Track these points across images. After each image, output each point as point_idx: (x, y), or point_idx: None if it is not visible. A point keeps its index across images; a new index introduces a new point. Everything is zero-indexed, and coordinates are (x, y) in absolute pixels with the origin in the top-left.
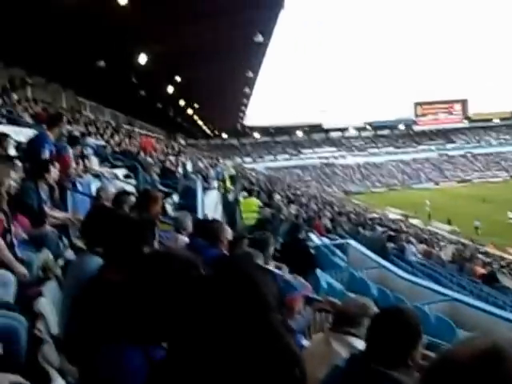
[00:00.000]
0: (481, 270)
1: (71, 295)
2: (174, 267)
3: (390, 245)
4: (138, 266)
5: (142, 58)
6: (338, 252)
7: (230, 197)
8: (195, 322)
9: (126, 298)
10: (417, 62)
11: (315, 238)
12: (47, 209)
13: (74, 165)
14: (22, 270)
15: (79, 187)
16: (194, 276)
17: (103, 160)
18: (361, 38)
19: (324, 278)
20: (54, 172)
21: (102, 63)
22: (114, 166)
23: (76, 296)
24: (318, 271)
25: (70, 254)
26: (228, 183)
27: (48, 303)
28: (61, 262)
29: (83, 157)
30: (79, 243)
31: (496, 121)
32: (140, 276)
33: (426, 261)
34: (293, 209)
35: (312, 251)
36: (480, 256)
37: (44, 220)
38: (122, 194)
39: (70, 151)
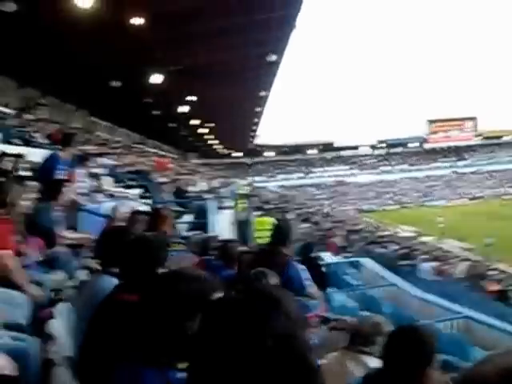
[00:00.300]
0: (494, 287)
1: (85, 316)
2: (188, 287)
3: (403, 262)
4: (153, 286)
5: (156, 78)
6: (350, 270)
7: (243, 216)
8: (215, 344)
9: (141, 319)
10: (428, 80)
11: (328, 257)
12: (60, 229)
13: (77, 184)
14: (36, 291)
15: (93, 207)
16: (211, 296)
17: (117, 180)
18: (374, 57)
19: (337, 296)
20: (67, 193)
21: (115, 83)
22: (127, 186)
23: (91, 316)
24: (332, 289)
25: (83, 275)
26: (241, 202)
27: (61, 325)
28: (74, 282)
29: (95, 176)
30: (92, 264)
31: (507, 138)
32: (154, 296)
33: (439, 278)
34: (306, 227)
35: (324, 270)
36: (493, 273)
37: (57, 241)
38: (136, 214)
39: (78, 171)
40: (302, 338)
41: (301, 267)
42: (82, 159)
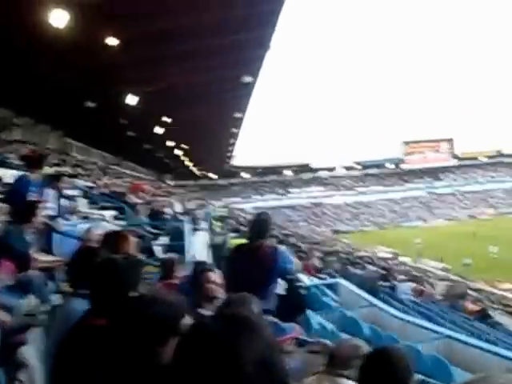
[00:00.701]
0: (473, 307)
1: (57, 341)
2: (157, 311)
3: (381, 283)
4: (121, 310)
5: (131, 99)
6: (328, 292)
7: (219, 238)
8: (193, 371)
9: (110, 344)
10: (404, 102)
11: (305, 279)
12: (33, 252)
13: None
14: (4, 316)
15: (67, 229)
16: (180, 320)
17: (91, 202)
18: (350, 78)
19: (315, 318)
20: (40, 215)
21: (90, 104)
22: (102, 208)
23: (60, 342)
24: (309, 312)
25: (56, 299)
26: (217, 224)
27: (33, 351)
28: (47, 307)
29: (70, 198)
30: (66, 287)
31: (482, 159)
32: (123, 320)
33: (418, 299)
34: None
35: (302, 292)
36: (471, 293)
37: (30, 264)
38: (109, 236)
39: (49, 192)
40: (280, 364)
41: (284, 250)
42: (53, 180)
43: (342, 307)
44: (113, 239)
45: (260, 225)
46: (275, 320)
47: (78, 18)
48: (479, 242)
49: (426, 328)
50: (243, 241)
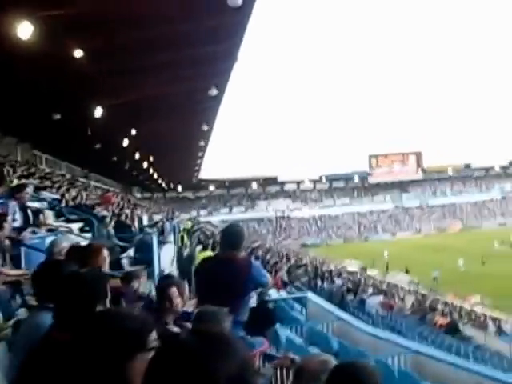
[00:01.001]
0: (442, 321)
1: (21, 356)
2: (125, 326)
3: (350, 297)
4: (85, 324)
5: (98, 111)
6: (296, 306)
7: (186, 251)
8: None
9: (72, 359)
10: (371, 115)
11: (273, 292)
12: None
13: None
14: None
15: (34, 242)
16: (146, 336)
17: (58, 214)
18: (315, 91)
19: (283, 332)
20: (6, 228)
21: (57, 116)
22: (69, 221)
23: (24, 357)
24: (277, 326)
25: (22, 313)
26: (184, 237)
27: None
28: (13, 321)
29: (37, 210)
30: (32, 301)
31: (450, 172)
32: (86, 335)
33: (387, 312)
34: None
35: (270, 306)
36: (440, 306)
37: None
38: (75, 249)
39: (13, 204)
40: (254, 382)
41: (257, 263)
42: (16, 192)
43: (310, 321)
44: (86, 252)
45: (232, 236)
46: (243, 334)
47: (43, 30)
48: (447, 255)
49: (396, 342)
50: (210, 253)
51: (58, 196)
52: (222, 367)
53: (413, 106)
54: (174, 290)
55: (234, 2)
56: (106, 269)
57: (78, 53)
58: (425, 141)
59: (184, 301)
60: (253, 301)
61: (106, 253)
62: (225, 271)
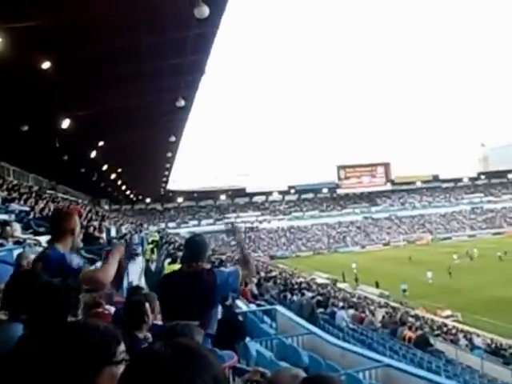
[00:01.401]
0: (412, 334)
1: None
2: (93, 339)
3: (319, 310)
4: (53, 336)
5: (66, 123)
6: (266, 319)
7: (154, 264)
8: None
9: (39, 371)
10: (340, 126)
11: (242, 305)
12: None
13: None
14: None
15: (1, 255)
16: (113, 349)
17: (26, 227)
18: (284, 102)
19: (253, 346)
20: None
21: (24, 127)
22: (37, 233)
23: None
24: (247, 339)
25: None
26: (152, 249)
27: None
28: None
29: (5, 224)
30: (2, 314)
31: (419, 184)
32: (55, 348)
33: (357, 326)
34: None
35: (240, 318)
36: (411, 319)
37: None
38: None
39: None
40: None
41: (223, 272)
42: None
43: (280, 334)
44: (59, 216)
45: (195, 247)
46: (213, 348)
47: (9, 42)
48: (415, 267)
49: (366, 356)
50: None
51: (26, 208)
52: (198, 380)
53: (381, 118)
54: (146, 306)
55: (201, 13)
56: (79, 234)
57: (46, 65)
58: (393, 152)
59: (155, 315)
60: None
61: (77, 218)
62: (190, 284)
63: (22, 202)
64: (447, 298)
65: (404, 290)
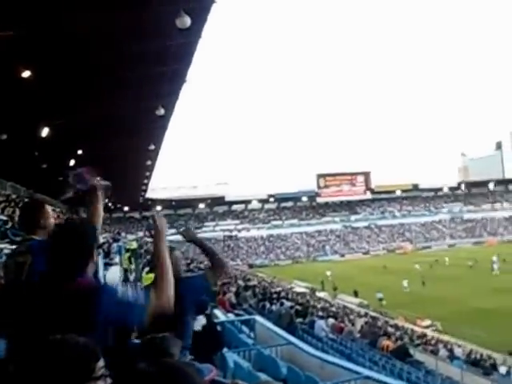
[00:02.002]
0: (392, 344)
1: None
2: (71, 355)
3: (298, 320)
4: (32, 352)
5: (43, 131)
6: (244, 328)
7: (133, 272)
8: None
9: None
10: (319, 135)
11: (221, 315)
12: None
13: None
14: None
15: None
16: (91, 365)
17: (2, 236)
18: (264, 111)
19: (231, 356)
20: None
21: (2, 136)
22: (13, 242)
23: None
24: (225, 350)
25: None
26: (129, 258)
27: None
28: None
29: None
30: None
31: (398, 193)
32: (31, 365)
33: (337, 336)
34: None
35: (219, 328)
36: (390, 329)
37: None
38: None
39: None
40: None
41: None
42: None
43: (258, 345)
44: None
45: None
46: (191, 361)
47: None
48: (393, 276)
49: (345, 368)
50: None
51: (3, 217)
52: None
53: (361, 127)
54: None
55: (183, 23)
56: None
57: (25, 73)
58: (373, 161)
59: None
60: (199, 323)
61: (49, 208)
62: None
63: None
64: (425, 308)
65: (380, 299)
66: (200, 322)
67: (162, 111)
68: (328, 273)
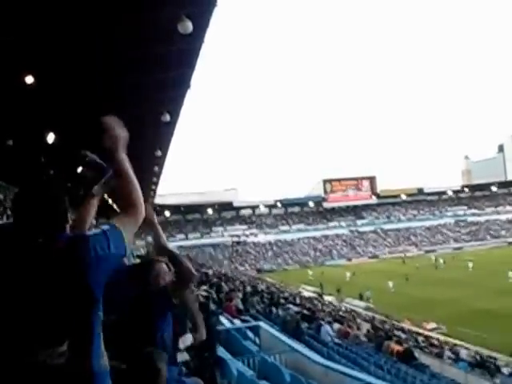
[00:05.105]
0: (397, 348)
1: None
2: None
3: (305, 324)
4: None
5: (50, 137)
6: (250, 335)
7: None
8: None
9: None
10: (325, 141)
11: (226, 321)
12: None
13: None
14: None
15: None
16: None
17: None
18: (271, 117)
19: (234, 364)
20: None
21: (8, 142)
22: None
23: None
24: (229, 357)
25: None
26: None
27: None
28: None
29: None
30: None
31: (403, 197)
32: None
33: (343, 341)
34: (202, 290)
35: (216, 330)
36: (396, 332)
37: None
38: None
39: None
40: None
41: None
42: None
43: (262, 352)
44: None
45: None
46: (180, 377)
47: None
48: (402, 279)
49: (349, 375)
50: None
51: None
52: None
53: (367, 132)
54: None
55: (185, 28)
56: None
57: (29, 79)
58: (378, 165)
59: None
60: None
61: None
62: None
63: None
64: (432, 310)
65: (367, 298)
66: (188, 339)
67: (167, 117)
68: (347, 274)
